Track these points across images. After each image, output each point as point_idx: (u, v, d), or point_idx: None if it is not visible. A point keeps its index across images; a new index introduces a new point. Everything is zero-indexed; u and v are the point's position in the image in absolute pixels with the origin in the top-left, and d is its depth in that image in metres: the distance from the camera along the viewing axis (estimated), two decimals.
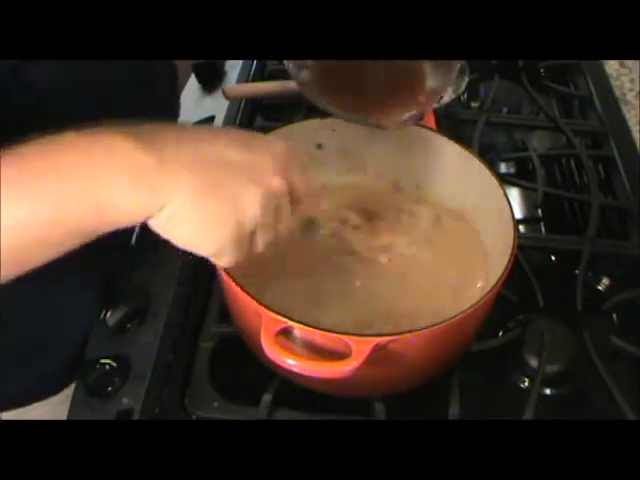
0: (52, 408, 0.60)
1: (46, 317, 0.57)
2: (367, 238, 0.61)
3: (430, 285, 0.58)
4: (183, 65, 0.89)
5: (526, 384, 0.56)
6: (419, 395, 0.52)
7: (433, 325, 0.45)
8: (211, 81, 0.88)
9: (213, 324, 0.58)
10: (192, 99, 0.88)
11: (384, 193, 0.65)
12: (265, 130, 0.60)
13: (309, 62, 0.53)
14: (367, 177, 0.65)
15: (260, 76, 0.87)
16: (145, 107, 0.57)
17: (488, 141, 0.79)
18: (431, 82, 0.53)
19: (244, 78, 0.87)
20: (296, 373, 0.43)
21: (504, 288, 0.49)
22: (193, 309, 0.59)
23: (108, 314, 0.56)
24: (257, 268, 0.50)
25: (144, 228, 0.38)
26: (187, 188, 0.37)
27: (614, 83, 0.88)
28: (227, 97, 0.80)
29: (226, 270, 0.47)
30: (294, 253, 0.58)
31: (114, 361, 0.53)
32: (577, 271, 0.63)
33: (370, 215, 0.63)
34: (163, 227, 0.38)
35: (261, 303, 0.45)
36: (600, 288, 0.65)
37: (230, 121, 0.79)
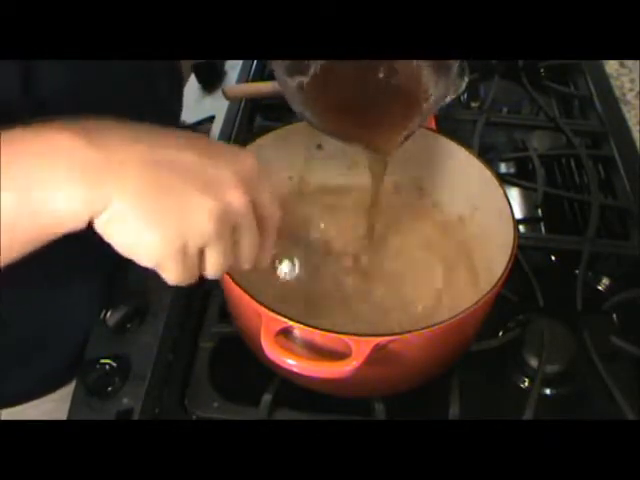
0: (52, 405, 0.61)
1: (46, 317, 0.57)
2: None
3: (430, 285, 0.58)
4: (183, 65, 0.89)
5: (526, 384, 0.56)
6: (419, 395, 0.52)
7: (433, 325, 0.45)
8: (211, 81, 0.88)
9: (213, 324, 0.58)
10: (192, 99, 0.88)
11: (384, 193, 0.65)
12: (265, 130, 0.60)
13: (305, 85, 0.52)
14: (367, 177, 0.65)
15: (260, 76, 0.87)
16: (145, 107, 0.57)
17: (488, 141, 0.79)
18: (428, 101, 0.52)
19: (244, 78, 0.87)
20: (296, 373, 0.43)
21: (504, 288, 0.49)
22: (193, 309, 0.59)
23: (108, 314, 0.56)
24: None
25: None
26: (132, 189, 0.35)
27: (614, 83, 0.88)
28: (227, 97, 0.80)
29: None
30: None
31: (114, 361, 0.53)
32: (577, 271, 0.63)
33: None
34: (104, 230, 0.35)
35: (261, 303, 0.45)
36: (600, 288, 0.65)
37: (230, 121, 0.79)
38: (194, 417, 0.53)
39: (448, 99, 0.77)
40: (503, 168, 0.81)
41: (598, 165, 0.78)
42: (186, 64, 0.88)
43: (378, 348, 0.43)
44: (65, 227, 0.35)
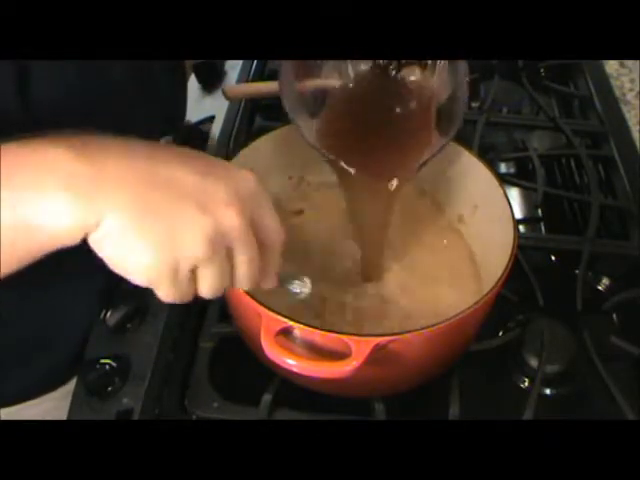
0: (52, 405, 0.61)
1: (46, 317, 0.57)
2: None
3: (430, 286, 0.58)
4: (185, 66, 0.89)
5: (526, 384, 0.56)
6: (419, 395, 0.53)
7: (433, 325, 0.45)
8: (211, 81, 0.88)
9: (213, 324, 0.58)
10: (192, 99, 0.88)
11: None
12: (265, 130, 0.60)
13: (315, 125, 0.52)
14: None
15: (260, 76, 0.87)
16: (146, 108, 0.57)
17: (488, 141, 0.79)
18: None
19: (244, 78, 0.86)
20: (296, 373, 0.43)
21: (504, 288, 0.49)
22: (193, 309, 0.59)
23: (108, 314, 0.56)
24: None
25: None
26: (125, 207, 0.34)
27: (614, 83, 0.88)
28: (227, 97, 0.80)
29: None
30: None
31: (114, 361, 0.53)
32: (577, 271, 0.63)
33: None
34: (96, 246, 0.35)
35: (261, 303, 0.45)
36: (600, 288, 0.65)
37: (230, 121, 0.79)
38: (194, 417, 0.53)
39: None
40: (503, 168, 0.81)
41: (598, 165, 0.78)
42: (186, 64, 0.88)
43: (378, 348, 0.43)
44: (60, 242, 0.35)
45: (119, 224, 0.34)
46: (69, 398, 0.53)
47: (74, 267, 0.53)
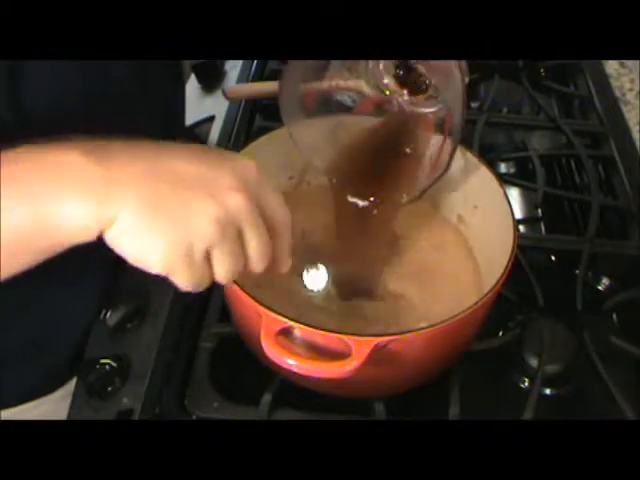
0: (52, 405, 0.61)
1: (46, 317, 0.57)
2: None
3: (430, 286, 0.58)
4: (183, 65, 0.89)
5: (526, 384, 0.56)
6: (419, 395, 0.53)
7: (433, 325, 0.45)
8: (211, 81, 0.88)
9: (213, 324, 0.58)
10: (192, 99, 0.88)
11: None
12: (265, 130, 0.60)
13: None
14: None
15: (260, 76, 0.87)
16: (145, 110, 0.57)
17: (488, 141, 0.79)
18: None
19: (244, 78, 0.87)
20: (296, 373, 0.43)
21: (504, 288, 0.49)
22: (193, 309, 0.59)
23: (108, 314, 0.56)
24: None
25: None
26: (135, 201, 0.36)
27: (614, 83, 0.88)
28: (227, 97, 0.80)
29: None
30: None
31: (114, 361, 0.53)
32: (577, 271, 0.63)
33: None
34: (114, 242, 0.37)
35: (261, 303, 0.45)
36: (600, 288, 0.65)
37: (230, 121, 0.79)
38: (194, 417, 0.53)
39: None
40: (503, 168, 0.81)
41: (598, 165, 0.78)
42: (186, 64, 0.88)
43: (378, 348, 0.43)
44: (76, 240, 0.37)
45: (132, 219, 0.36)
46: (69, 399, 0.53)
47: (74, 267, 0.53)
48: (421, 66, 0.51)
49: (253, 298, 0.45)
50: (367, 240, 0.57)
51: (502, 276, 0.48)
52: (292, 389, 0.52)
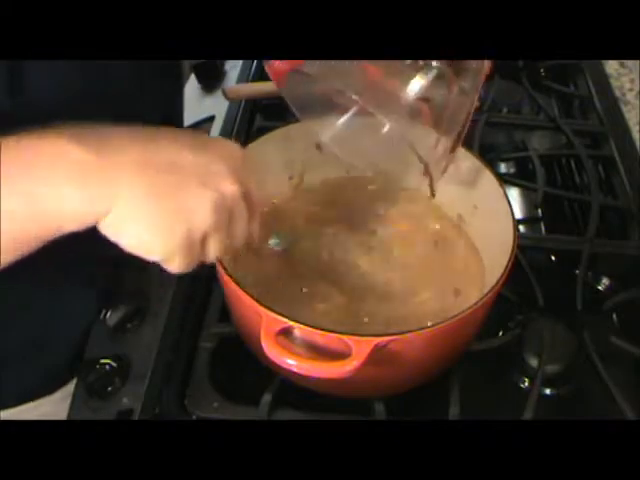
0: (52, 406, 0.60)
1: (46, 317, 0.57)
2: (365, 238, 0.61)
3: (430, 286, 0.58)
4: (183, 65, 0.89)
5: (526, 384, 0.56)
6: (419, 395, 0.52)
7: (433, 325, 0.45)
8: (211, 81, 0.88)
9: (213, 324, 0.58)
10: (192, 99, 0.88)
11: (384, 193, 0.65)
12: (265, 130, 0.60)
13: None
14: (367, 177, 0.65)
15: (260, 76, 0.87)
16: (144, 109, 0.57)
17: (488, 141, 0.79)
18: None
19: (244, 78, 0.87)
20: (296, 373, 0.43)
21: (504, 288, 0.49)
22: (193, 309, 0.59)
23: (108, 314, 0.56)
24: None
25: None
26: (134, 189, 0.37)
27: (614, 83, 0.88)
28: (227, 97, 0.80)
29: (226, 270, 0.47)
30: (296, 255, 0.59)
31: (114, 361, 0.53)
32: (577, 271, 0.63)
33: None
34: (111, 230, 0.37)
35: (261, 303, 0.45)
36: (600, 288, 0.65)
37: (230, 121, 0.79)
38: (194, 417, 0.53)
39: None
40: (503, 168, 0.80)
41: (598, 165, 0.78)
42: (186, 64, 0.88)
43: (378, 348, 0.43)
44: (69, 229, 0.37)
45: (130, 206, 0.36)
46: (68, 400, 0.53)
47: (74, 267, 0.53)
48: None
49: (253, 298, 0.45)
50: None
51: (502, 276, 0.48)
52: (292, 389, 0.52)
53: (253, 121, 0.81)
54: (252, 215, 0.44)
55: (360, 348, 0.43)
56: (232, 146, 0.43)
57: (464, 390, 0.53)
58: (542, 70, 0.90)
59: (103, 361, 0.53)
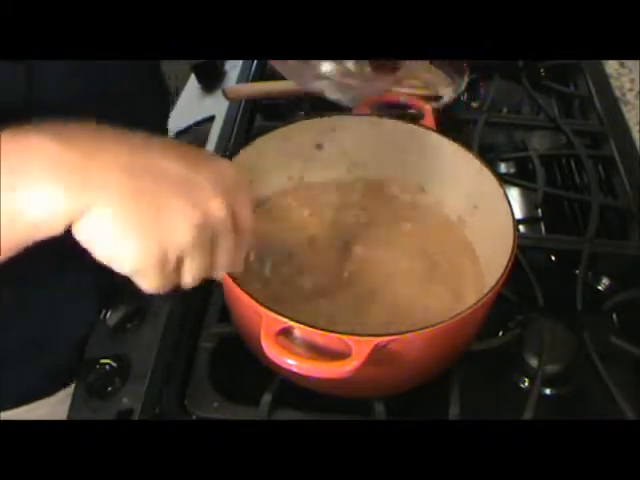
0: (52, 408, 0.60)
1: (46, 317, 0.57)
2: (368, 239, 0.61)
3: (430, 286, 0.58)
4: (183, 65, 0.89)
5: (526, 384, 0.56)
6: (419, 395, 0.52)
7: (433, 325, 0.45)
8: (211, 81, 0.88)
9: (213, 324, 0.58)
10: (192, 99, 0.88)
11: (384, 193, 0.65)
12: (265, 130, 0.60)
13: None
14: (367, 177, 0.65)
15: (260, 76, 0.87)
16: (144, 108, 0.57)
17: (488, 141, 0.79)
18: None
19: (244, 78, 0.87)
20: (296, 373, 0.43)
21: (504, 288, 0.49)
22: (193, 309, 0.59)
23: (108, 314, 0.56)
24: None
25: None
26: (112, 195, 0.34)
27: (614, 83, 0.88)
28: (227, 97, 0.80)
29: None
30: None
31: (114, 361, 0.53)
32: (577, 271, 0.63)
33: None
34: (82, 235, 0.34)
35: (261, 303, 0.45)
36: (600, 288, 0.65)
37: (230, 121, 0.79)
38: (194, 417, 0.53)
39: (447, 98, 0.78)
40: (503, 168, 0.80)
41: (598, 165, 0.78)
42: (186, 64, 0.88)
43: (378, 348, 0.43)
44: (42, 231, 0.34)
45: (106, 213, 0.34)
46: (68, 401, 0.53)
47: (74, 267, 0.53)
48: None
49: (253, 298, 0.45)
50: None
51: (502, 276, 0.48)
52: (292, 389, 0.52)
53: (253, 121, 0.81)
54: (239, 243, 0.40)
55: (360, 348, 0.43)
56: (228, 166, 0.40)
57: (464, 390, 0.53)
58: (542, 70, 0.90)
59: (103, 361, 0.53)
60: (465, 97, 0.86)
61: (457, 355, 0.53)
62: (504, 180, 0.61)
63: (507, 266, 0.48)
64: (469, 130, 0.78)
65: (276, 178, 0.63)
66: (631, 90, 0.88)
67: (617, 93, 0.86)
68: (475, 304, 0.47)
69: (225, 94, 0.80)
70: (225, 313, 0.57)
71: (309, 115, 0.73)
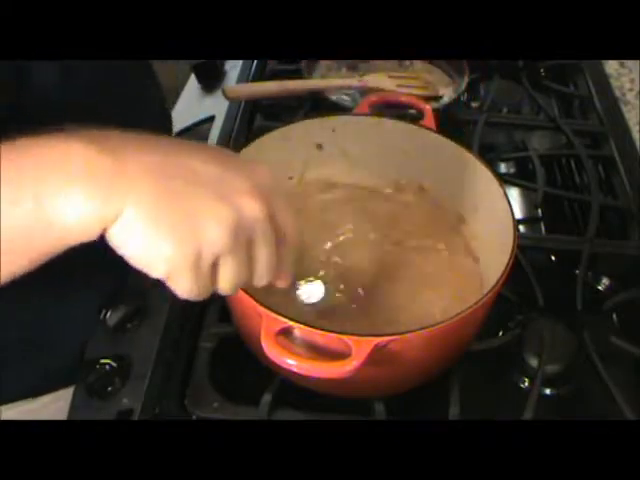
0: (52, 408, 0.60)
1: (46, 317, 0.57)
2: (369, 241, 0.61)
3: (429, 286, 0.58)
4: (183, 65, 0.89)
5: (526, 384, 0.56)
6: (419, 395, 0.52)
7: (433, 325, 0.45)
8: (211, 81, 0.88)
9: (213, 324, 0.58)
10: (192, 99, 0.88)
11: (384, 193, 0.65)
12: (265, 130, 0.60)
13: None
14: (367, 177, 0.65)
15: (260, 76, 0.87)
16: (145, 109, 0.57)
17: (488, 141, 0.79)
18: None
19: (244, 78, 0.87)
20: (296, 373, 0.43)
21: (504, 288, 0.49)
22: (193, 309, 0.59)
23: (108, 314, 0.56)
24: None
25: None
26: (145, 199, 0.34)
27: (614, 83, 0.88)
28: (227, 97, 0.80)
29: None
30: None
31: (114, 361, 0.53)
32: (577, 271, 0.63)
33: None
34: (116, 240, 0.34)
35: (262, 303, 0.45)
36: (600, 288, 0.65)
37: (230, 121, 0.79)
38: (194, 417, 0.53)
39: (447, 98, 0.78)
40: (503, 168, 0.80)
41: (598, 165, 0.78)
42: (186, 64, 0.88)
43: (378, 348, 0.43)
44: (77, 238, 0.34)
45: (139, 216, 0.34)
46: (69, 400, 0.53)
47: (74, 268, 0.53)
48: None
49: (253, 298, 0.45)
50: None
51: (502, 276, 0.48)
52: (292, 389, 0.52)
53: (253, 121, 0.80)
54: (283, 250, 0.39)
55: (360, 348, 0.43)
56: (263, 169, 0.39)
57: (464, 390, 0.53)
58: (542, 70, 0.90)
59: (103, 361, 0.53)
60: (465, 97, 0.86)
61: (457, 355, 0.53)
62: (504, 180, 0.61)
63: (507, 266, 0.48)
64: (469, 130, 0.78)
65: (276, 178, 0.62)
66: (631, 90, 0.88)
67: (617, 93, 0.86)
68: (475, 304, 0.47)
69: (225, 94, 0.80)
70: (225, 313, 0.57)
71: (309, 115, 0.73)
